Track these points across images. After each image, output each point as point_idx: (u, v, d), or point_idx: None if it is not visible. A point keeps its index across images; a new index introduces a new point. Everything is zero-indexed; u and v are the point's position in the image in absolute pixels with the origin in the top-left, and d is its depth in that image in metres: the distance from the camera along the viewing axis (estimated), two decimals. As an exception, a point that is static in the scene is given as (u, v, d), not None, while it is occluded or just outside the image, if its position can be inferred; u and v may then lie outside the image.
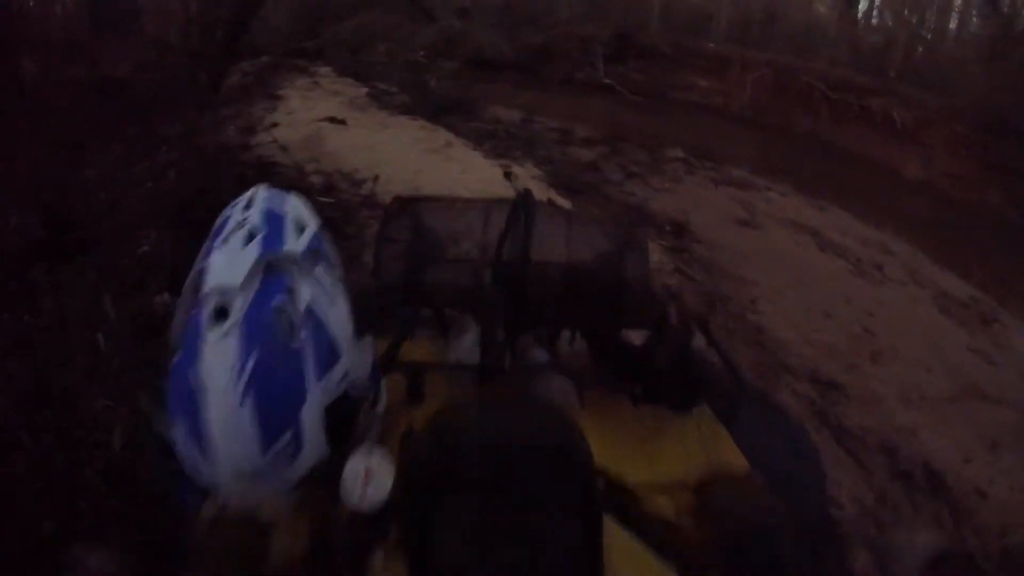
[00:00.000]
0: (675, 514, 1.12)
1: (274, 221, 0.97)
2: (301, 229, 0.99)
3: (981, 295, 6.21)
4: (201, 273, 0.91)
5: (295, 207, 1.03)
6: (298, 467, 0.91)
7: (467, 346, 1.37)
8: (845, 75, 11.35)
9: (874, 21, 15.65)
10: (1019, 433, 4.59)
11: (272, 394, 0.87)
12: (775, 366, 4.33)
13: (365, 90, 10.33)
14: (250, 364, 0.85)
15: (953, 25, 15.50)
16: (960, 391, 4.87)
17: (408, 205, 1.49)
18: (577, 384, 1.32)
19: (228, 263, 0.91)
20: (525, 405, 1.13)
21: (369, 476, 0.95)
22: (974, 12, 15.04)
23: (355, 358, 0.99)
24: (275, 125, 7.84)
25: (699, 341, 1.34)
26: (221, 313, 0.87)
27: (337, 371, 0.95)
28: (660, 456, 1.22)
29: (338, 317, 0.97)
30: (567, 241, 1.40)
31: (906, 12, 14.49)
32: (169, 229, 4.20)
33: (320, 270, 0.98)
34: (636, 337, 1.38)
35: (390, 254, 1.44)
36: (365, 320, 1.04)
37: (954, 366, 5.12)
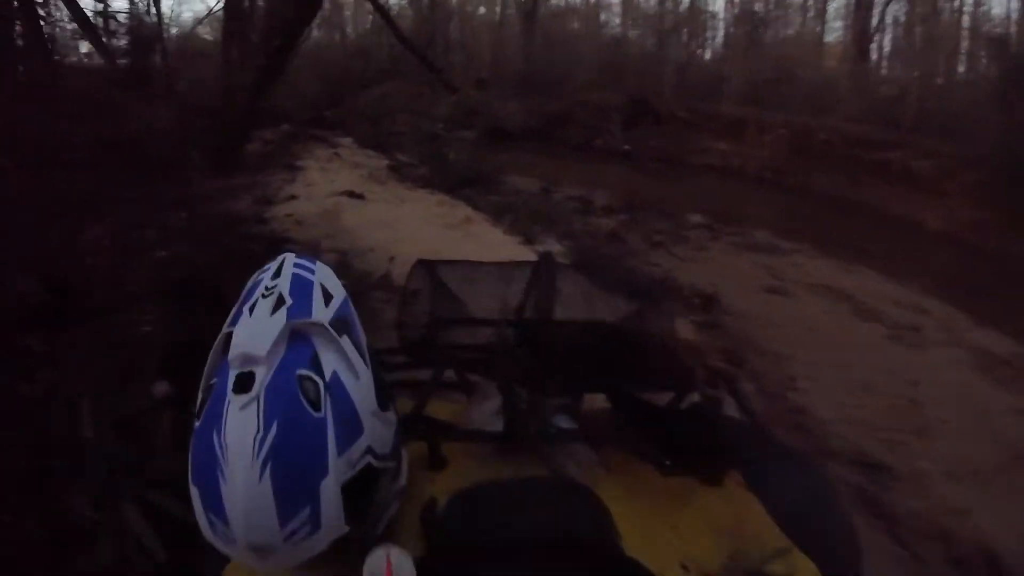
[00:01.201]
0: None
1: (302, 288, 0.96)
2: (329, 297, 0.98)
3: (1020, 349, 6.01)
4: (228, 338, 0.89)
5: (324, 274, 1.01)
6: (316, 543, 0.87)
7: (490, 412, 1.30)
8: (861, 130, 11.28)
9: (883, 72, 15.69)
10: (1074, 501, 4.37)
11: (292, 467, 0.84)
12: (818, 451, 4.16)
13: (385, 162, 10.43)
14: (271, 435, 0.83)
15: (962, 69, 15.52)
16: (1011, 459, 4.67)
17: (431, 267, 1.48)
18: (601, 452, 1.24)
19: (255, 329, 0.88)
20: (551, 488, 1.07)
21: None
22: (983, 55, 15.06)
23: (377, 432, 0.96)
24: (293, 198, 7.86)
25: (728, 405, 1.29)
26: (245, 381, 0.84)
27: (359, 445, 0.92)
28: (688, 530, 1.14)
29: (362, 389, 0.94)
30: (589, 301, 1.38)
31: (915, 60, 14.49)
32: (170, 305, 4.10)
33: (346, 340, 0.94)
34: (662, 400, 1.31)
35: (412, 313, 1.43)
36: (387, 391, 1.01)
37: (1002, 432, 4.91)
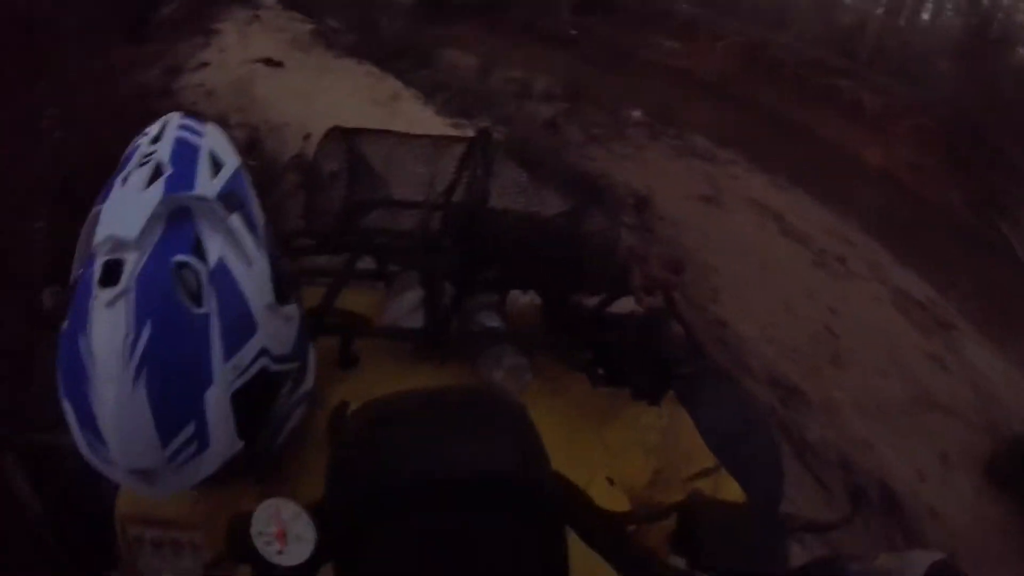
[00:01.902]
0: (642, 531, 1.00)
1: (186, 155, 0.82)
2: (218, 167, 0.84)
3: (938, 297, 6.06)
4: (95, 218, 0.77)
5: (213, 139, 0.87)
6: (204, 463, 0.78)
7: (409, 306, 1.19)
8: (816, 53, 11.02)
9: (847, 1, 15.38)
10: (967, 447, 4.48)
11: (171, 375, 0.73)
12: (737, 366, 4.00)
13: (310, 27, 9.40)
14: (144, 336, 0.71)
15: (926, 16, 15.35)
16: (915, 400, 4.69)
17: (347, 136, 1.33)
18: (529, 356, 1.15)
19: (125, 207, 0.76)
20: (470, 400, 0.92)
21: (283, 538, 0.77)
22: (949, 7, 14.93)
23: (275, 330, 0.84)
24: (204, 65, 7.06)
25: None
26: (113, 271, 0.73)
27: (251, 346, 0.80)
28: (617, 444, 1.10)
29: (255, 278, 0.81)
30: (528, 190, 1.26)
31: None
32: (63, 199, 3.52)
33: (236, 219, 0.81)
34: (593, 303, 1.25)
35: (324, 193, 1.29)
36: (289, 280, 0.88)
37: (910, 372, 4.92)
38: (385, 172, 1.33)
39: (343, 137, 1.35)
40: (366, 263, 1.32)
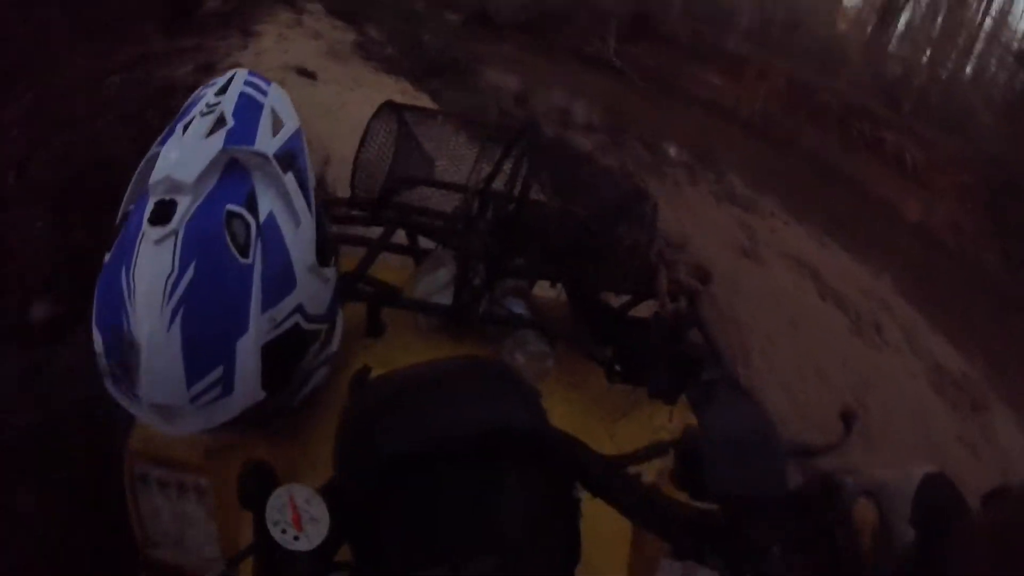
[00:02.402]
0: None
1: (249, 110, 0.81)
2: (279, 125, 0.83)
3: (973, 371, 5.74)
4: (154, 160, 0.75)
5: (277, 98, 0.86)
6: (226, 408, 0.76)
7: (440, 283, 1.20)
8: (863, 101, 10.65)
9: (892, 49, 14.98)
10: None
11: (207, 318, 0.72)
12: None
13: (351, 36, 9.17)
14: (187, 277, 0.71)
15: (970, 70, 14.94)
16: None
17: (400, 111, 1.34)
18: (551, 346, 1.17)
19: (184, 152, 0.75)
20: (470, 367, 0.91)
21: (299, 523, 0.73)
22: (994, 61, 14.53)
23: (313, 289, 0.84)
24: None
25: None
26: (165, 210, 0.71)
27: (288, 302, 0.80)
28: (625, 442, 1.05)
29: (301, 238, 0.81)
30: (569, 185, 1.29)
31: (929, 47, 13.82)
32: (64, 204, 3.29)
33: (290, 178, 0.80)
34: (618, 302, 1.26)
35: (369, 163, 1.29)
36: (330, 244, 0.88)
37: (940, 455, 4.62)
38: (431, 151, 1.34)
39: (396, 112, 1.34)
40: (400, 238, 1.32)
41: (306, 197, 0.83)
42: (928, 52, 14.10)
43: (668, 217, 5.78)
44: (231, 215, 0.75)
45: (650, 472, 1.00)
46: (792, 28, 12.69)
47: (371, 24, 9.90)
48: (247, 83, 0.86)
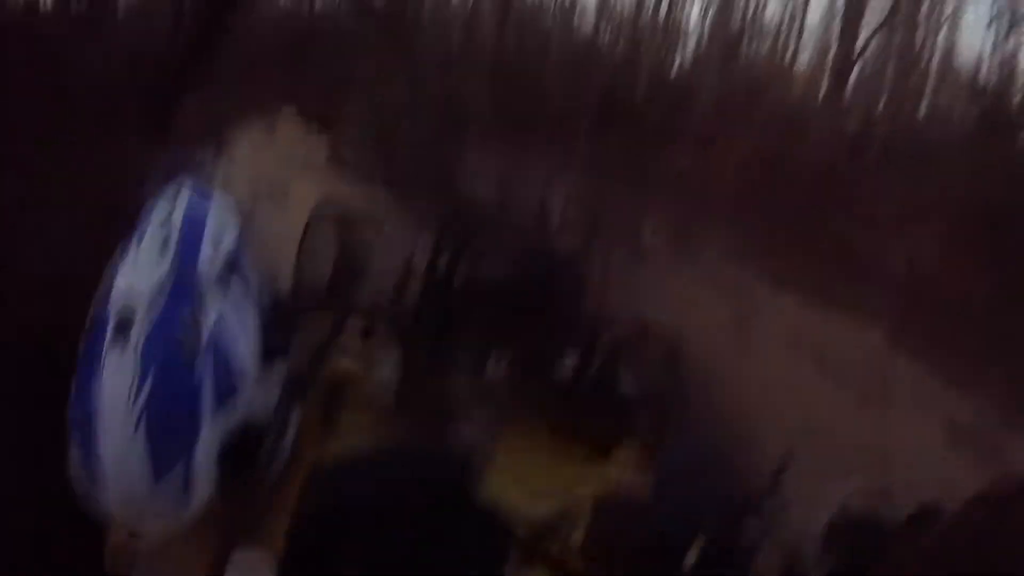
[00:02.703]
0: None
1: (194, 225, 0.69)
2: (221, 237, 0.68)
3: (985, 409, 5.69)
4: (113, 276, 0.60)
5: (218, 212, 0.67)
6: (189, 502, 0.70)
7: (388, 369, 1.32)
8: (831, 161, 10.72)
9: (848, 103, 15.22)
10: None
11: (168, 420, 0.68)
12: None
13: (327, 142, 9.20)
14: (147, 386, 0.72)
15: (926, 110, 15.21)
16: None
17: (335, 215, 1.36)
18: (500, 413, 1.30)
19: (139, 271, 0.69)
20: (426, 460, 1.05)
21: None
22: (948, 98, 14.81)
23: (262, 388, 0.73)
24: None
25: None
26: (125, 324, 0.67)
27: (237, 402, 0.73)
28: (571, 493, 1.03)
29: (245, 342, 0.72)
30: (501, 260, 1.37)
31: (883, 96, 14.05)
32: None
33: (233, 289, 0.68)
34: (565, 362, 1.30)
35: (314, 259, 1.30)
36: (278, 341, 0.70)
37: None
38: (371, 244, 1.38)
39: (331, 215, 1.38)
40: (352, 326, 1.36)
41: (251, 301, 0.90)
42: (883, 101, 14.35)
43: (656, 308, 5.65)
44: (183, 325, 0.80)
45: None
46: (752, 101, 12.93)
47: (346, 128, 9.94)
48: (192, 196, 0.83)
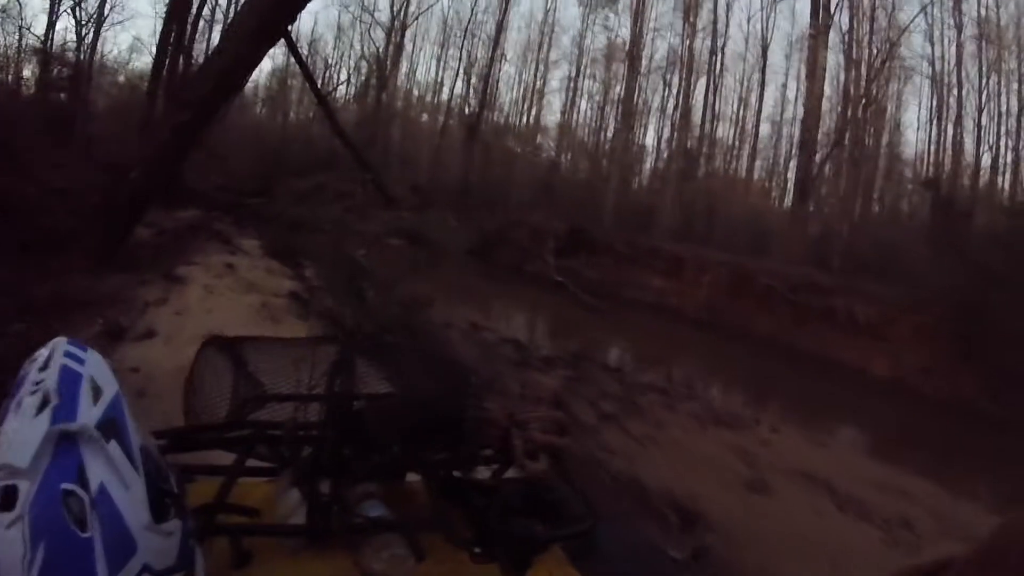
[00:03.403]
0: None
1: (70, 383, 0.82)
2: (98, 393, 0.84)
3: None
4: None
5: (94, 365, 0.86)
6: None
7: (294, 502, 1.14)
8: (801, 273, 10.59)
9: (808, 212, 15.33)
10: None
11: None
12: None
13: (288, 284, 8.36)
14: (39, 559, 0.70)
15: (883, 207, 15.41)
16: None
17: (223, 344, 1.36)
18: (414, 539, 1.11)
19: (19, 435, 0.77)
20: None
21: None
22: (900, 195, 15.03)
23: (156, 546, 0.81)
24: (150, 336, 5.39)
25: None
26: (9, 495, 0.72)
27: (133, 565, 0.77)
28: None
29: (133, 501, 0.79)
30: (399, 375, 1.33)
31: (838, 201, 14.21)
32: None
33: (114, 445, 0.81)
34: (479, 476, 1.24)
35: (207, 391, 1.28)
36: (170, 497, 0.86)
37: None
38: (264, 373, 1.33)
39: (222, 345, 1.35)
40: (258, 452, 1.24)
41: (132, 460, 0.80)
42: (839, 205, 14.50)
43: (662, 467, 5.16)
44: (66, 493, 0.71)
45: None
46: (713, 216, 12.92)
47: (312, 263, 9.43)
48: (66, 354, 0.83)
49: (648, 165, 17.96)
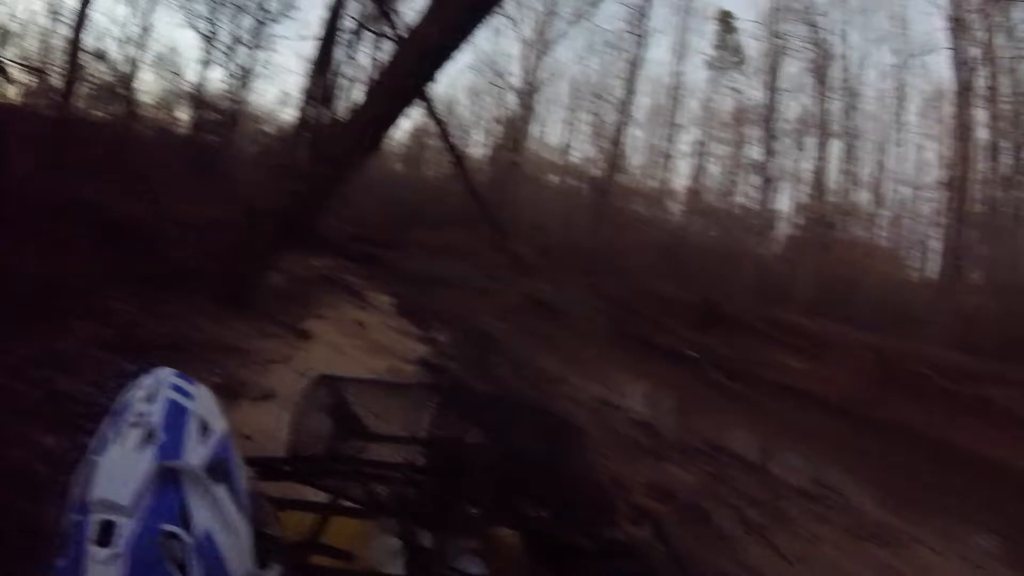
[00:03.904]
0: None
1: (176, 419, 0.81)
2: (206, 433, 0.82)
3: None
4: (91, 470, 0.76)
5: (203, 402, 0.86)
6: None
7: (391, 549, 1.11)
8: (953, 359, 9.79)
9: (959, 282, 14.03)
10: None
11: None
12: None
13: (418, 349, 8.09)
14: None
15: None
16: None
17: (331, 382, 1.37)
18: None
19: (120, 469, 0.75)
20: None
21: None
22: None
23: None
24: (267, 398, 4.90)
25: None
26: (107, 531, 0.72)
27: None
28: None
29: (238, 547, 0.78)
30: (505, 426, 1.31)
31: (997, 274, 13.09)
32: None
33: (221, 489, 0.79)
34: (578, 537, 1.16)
35: (309, 426, 1.30)
36: (272, 541, 0.86)
37: None
38: (367, 414, 1.33)
39: (329, 382, 1.35)
40: (352, 492, 1.20)
41: (238, 504, 0.79)
42: (992, 278, 13.44)
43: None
44: (167, 534, 0.71)
45: None
46: (849, 289, 12.25)
47: (442, 328, 9.29)
48: (173, 387, 0.82)
49: (779, 230, 17.45)
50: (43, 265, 5.67)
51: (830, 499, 6.40)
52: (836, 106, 17.47)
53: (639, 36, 21.62)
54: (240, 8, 18.33)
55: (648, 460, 6.86)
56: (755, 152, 18.28)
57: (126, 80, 15.72)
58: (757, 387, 9.68)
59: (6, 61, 10.69)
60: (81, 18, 13.24)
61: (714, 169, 19.83)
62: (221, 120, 18.64)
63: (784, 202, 17.52)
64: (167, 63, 18.18)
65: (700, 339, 11.44)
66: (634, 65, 21.56)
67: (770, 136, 17.87)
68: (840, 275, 12.94)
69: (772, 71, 18.80)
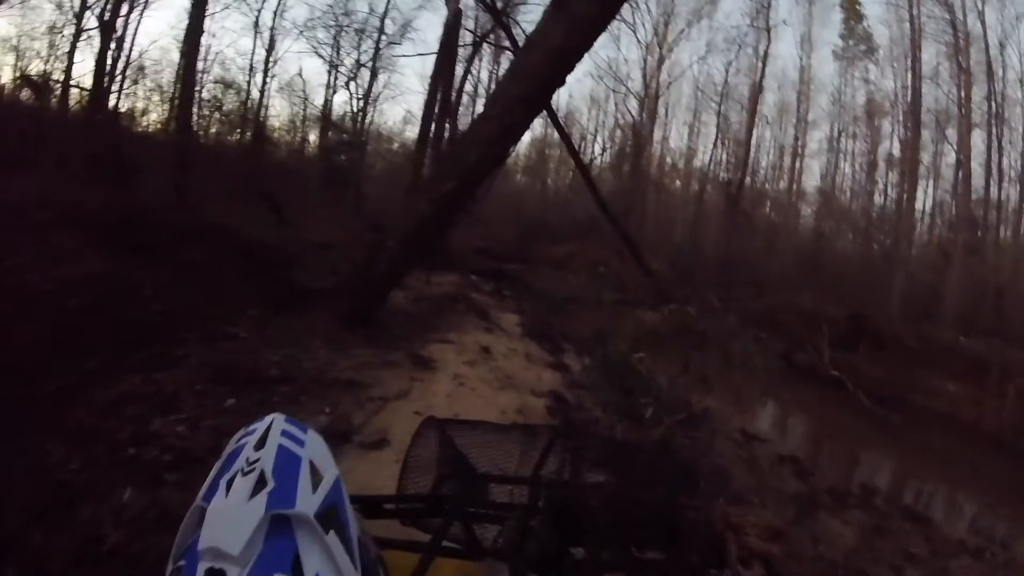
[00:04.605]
0: None
1: (288, 466, 0.81)
2: (318, 480, 0.81)
3: None
4: (200, 518, 0.76)
5: (314, 448, 0.85)
6: None
7: None
8: None
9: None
10: None
11: None
12: None
13: (548, 378, 7.50)
14: None
15: None
16: None
17: (441, 424, 1.38)
18: None
19: (230, 517, 0.75)
20: None
21: None
22: None
23: None
24: (380, 445, 4.55)
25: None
26: None
27: None
28: None
29: None
30: (617, 468, 1.30)
31: None
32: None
33: (333, 537, 0.78)
34: None
35: (418, 465, 1.32)
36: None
37: None
38: (475, 457, 1.33)
39: (437, 425, 1.37)
40: (456, 533, 1.21)
41: (350, 552, 0.79)
42: None
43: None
44: None
45: None
46: (1003, 300, 11.37)
47: (573, 350, 8.81)
48: (284, 433, 0.84)
49: (920, 232, 16.19)
50: (170, 292, 5.96)
51: (1003, 560, 6.14)
52: (978, 93, 16.20)
53: (763, 30, 20.85)
54: (361, 32, 19.15)
55: (798, 507, 6.62)
56: (891, 147, 17.26)
57: (255, 107, 16.82)
58: (908, 413, 9.25)
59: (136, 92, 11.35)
60: (209, 50, 14.21)
61: (847, 168, 19.06)
62: (349, 141, 19.53)
63: (925, 201, 16.46)
64: (294, 89, 19.25)
65: (845, 357, 10.97)
66: (761, 61, 20.86)
67: (906, 129, 16.80)
68: (990, 282, 12.02)
69: (905, 58, 17.68)
